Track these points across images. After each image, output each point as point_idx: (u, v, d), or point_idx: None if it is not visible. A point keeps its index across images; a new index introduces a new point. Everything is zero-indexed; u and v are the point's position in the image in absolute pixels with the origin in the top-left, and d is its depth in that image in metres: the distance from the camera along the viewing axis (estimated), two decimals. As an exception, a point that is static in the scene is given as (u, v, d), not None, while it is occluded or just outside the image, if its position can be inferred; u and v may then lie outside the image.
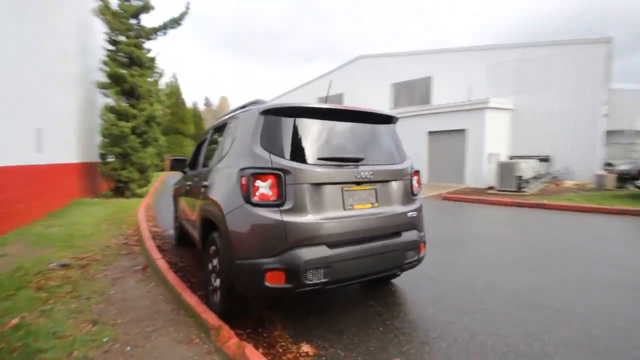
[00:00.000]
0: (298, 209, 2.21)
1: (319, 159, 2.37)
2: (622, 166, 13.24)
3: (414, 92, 19.19)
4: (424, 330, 2.47)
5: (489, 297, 3.03)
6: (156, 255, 4.01)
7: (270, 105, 2.43)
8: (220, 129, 3.29)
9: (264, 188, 2.21)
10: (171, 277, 3.26)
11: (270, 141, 2.33)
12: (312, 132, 2.44)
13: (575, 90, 13.78)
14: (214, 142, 3.48)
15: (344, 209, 2.37)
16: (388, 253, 2.49)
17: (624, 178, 11.69)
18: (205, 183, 2.89)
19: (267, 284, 2.12)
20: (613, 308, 2.81)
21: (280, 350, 2.21)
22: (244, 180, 2.24)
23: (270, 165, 2.23)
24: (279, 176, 2.22)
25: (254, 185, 2.19)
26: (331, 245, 2.27)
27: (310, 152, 2.37)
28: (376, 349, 2.22)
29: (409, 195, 2.78)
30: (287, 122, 2.39)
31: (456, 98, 16.01)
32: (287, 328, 2.50)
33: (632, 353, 2.17)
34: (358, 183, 2.47)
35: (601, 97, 13.46)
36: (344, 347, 2.25)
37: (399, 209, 2.67)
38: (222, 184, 2.54)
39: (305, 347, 2.23)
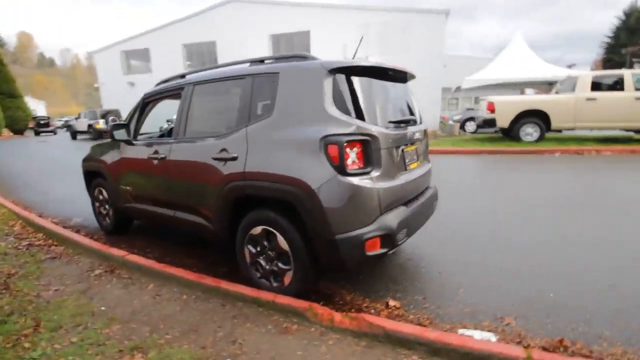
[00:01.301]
0: (384, 174, 2.16)
1: (389, 122, 2.33)
2: (455, 117, 17.28)
3: (294, 45, 19.06)
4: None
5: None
6: (117, 251, 3.11)
7: (339, 63, 2.14)
8: (221, 86, 2.66)
9: (353, 156, 2.03)
10: (190, 274, 2.68)
11: (343, 104, 2.11)
12: (377, 94, 2.33)
13: (426, 53, 16.66)
14: (210, 102, 2.80)
15: (406, 170, 2.45)
16: (429, 205, 2.76)
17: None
18: (231, 154, 2.36)
19: (367, 252, 2.08)
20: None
21: (373, 311, 2.26)
22: (333, 149, 1.98)
23: (357, 131, 2.05)
24: (367, 142, 2.07)
25: (345, 154, 1.99)
26: (406, 205, 2.37)
27: (381, 114, 2.27)
28: (437, 287, 2.53)
29: (427, 151, 3.06)
30: (357, 83, 2.18)
31: (334, 55, 16.88)
32: (354, 291, 2.52)
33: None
34: (412, 143, 2.56)
35: (443, 60, 16.80)
36: (417, 293, 2.47)
37: (428, 164, 2.94)
38: (282, 155, 2.14)
39: (392, 302, 2.35)
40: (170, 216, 3.01)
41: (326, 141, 2.00)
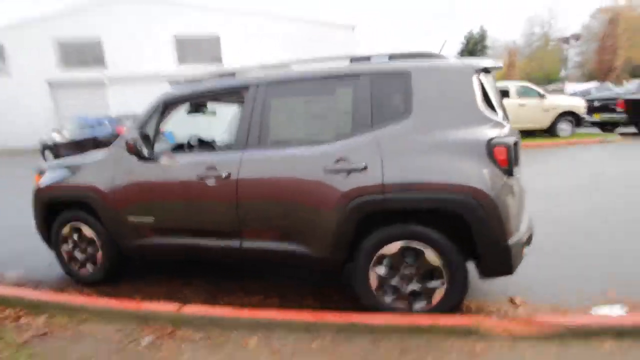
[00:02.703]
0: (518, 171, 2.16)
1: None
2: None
3: (202, 50, 17.59)
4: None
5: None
6: (158, 305, 2.28)
7: (483, 62, 2.05)
8: (320, 86, 2.22)
9: (507, 157, 1.97)
10: (305, 314, 2.14)
11: (487, 103, 2.04)
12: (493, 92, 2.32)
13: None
14: (303, 104, 2.32)
15: None
16: None
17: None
18: (357, 164, 1.98)
19: (524, 254, 2.06)
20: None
21: (505, 311, 2.23)
22: (501, 152, 1.87)
23: (511, 131, 2.01)
24: (517, 142, 2.04)
25: (510, 156, 1.92)
26: None
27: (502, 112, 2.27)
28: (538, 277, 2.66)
29: None
30: (484, 81, 2.14)
31: (245, 62, 16.22)
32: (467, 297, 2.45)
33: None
34: None
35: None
36: (523, 286, 2.55)
37: None
38: (437, 161, 1.90)
39: (517, 299, 2.36)
40: (230, 248, 2.38)
41: (493, 143, 1.89)
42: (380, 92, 2.08)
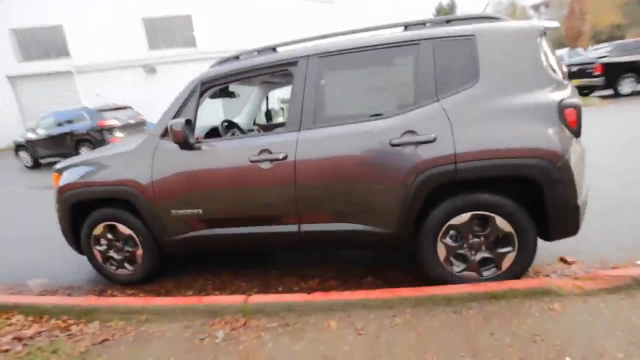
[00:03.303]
0: None
1: None
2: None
3: (174, 31, 16.58)
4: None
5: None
6: (227, 299, 2.21)
7: (545, 24, 2.02)
8: (376, 55, 2.11)
9: (576, 118, 1.98)
10: (380, 292, 2.14)
11: (552, 65, 2.03)
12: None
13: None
14: (359, 76, 2.22)
15: None
16: None
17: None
18: (425, 136, 1.94)
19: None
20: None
21: (558, 272, 2.34)
22: (571, 114, 1.88)
23: (573, 93, 2.01)
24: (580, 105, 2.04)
25: (580, 117, 1.93)
26: None
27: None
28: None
29: None
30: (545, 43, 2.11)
31: (221, 42, 15.41)
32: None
33: None
34: None
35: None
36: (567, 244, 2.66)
37: None
38: (509, 127, 1.88)
39: (568, 258, 2.47)
40: (287, 233, 2.31)
41: (563, 105, 1.89)
42: (443, 59, 2.02)
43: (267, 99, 3.95)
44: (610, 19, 32.63)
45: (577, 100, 1.92)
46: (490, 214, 2.01)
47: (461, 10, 41.94)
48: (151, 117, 11.49)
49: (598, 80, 10.95)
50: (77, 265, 3.16)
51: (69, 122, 9.41)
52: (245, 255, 3.10)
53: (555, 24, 2.13)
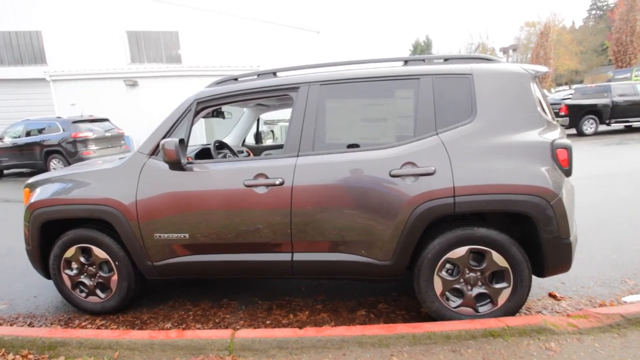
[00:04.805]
0: None
1: None
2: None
3: (160, 46, 16.46)
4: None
5: None
6: (193, 333, 2.03)
7: (536, 68, 2.13)
8: (378, 87, 2.13)
9: (568, 157, 2.04)
10: (376, 328, 2.00)
11: (541, 107, 2.13)
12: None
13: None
14: (360, 106, 2.23)
15: None
16: None
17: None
18: (425, 168, 1.95)
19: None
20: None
21: (549, 308, 2.35)
22: (562, 153, 1.95)
23: (563, 134, 2.10)
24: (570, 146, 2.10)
25: (571, 157, 2.01)
26: None
27: None
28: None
29: None
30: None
31: (206, 59, 15.46)
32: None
33: None
34: None
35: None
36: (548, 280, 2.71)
37: None
38: (506, 163, 1.92)
39: (556, 294, 2.49)
40: (279, 262, 2.21)
41: (555, 145, 1.97)
42: (442, 94, 2.07)
43: (258, 121, 3.91)
44: (569, 64, 35.84)
45: (567, 141, 2.01)
46: (487, 249, 2.02)
47: (436, 48, 44.80)
48: (130, 131, 11.13)
49: (564, 120, 11.79)
50: (40, 288, 2.87)
51: (40, 131, 8.91)
52: (228, 282, 2.93)
53: (544, 68, 2.26)
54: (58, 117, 9.42)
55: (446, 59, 2.24)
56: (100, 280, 2.44)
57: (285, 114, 7.80)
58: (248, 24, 16.68)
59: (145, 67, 14.77)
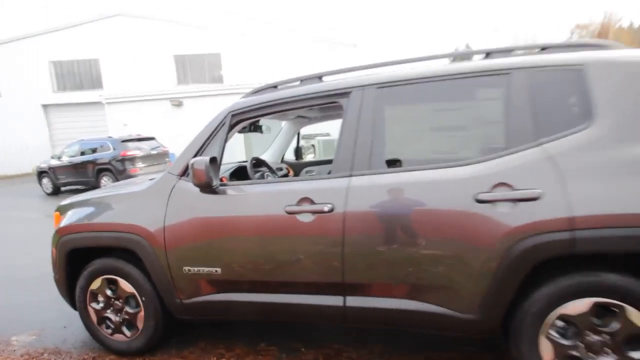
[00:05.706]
0: None
1: None
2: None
3: (204, 67, 17.21)
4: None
5: None
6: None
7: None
8: (452, 87, 1.69)
9: None
10: None
11: None
12: None
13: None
14: (429, 112, 1.80)
15: None
16: None
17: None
18: (524, 191, 1.45)
19: None
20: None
21: None
22: None
23: None
24: None
25: None
26: None
27: None
28: None
29: None
30: None
31: (248, 75, 15.77)
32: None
33: None
34: None
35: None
36: None
37: None
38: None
39: None
40: (328, 307, 1.79)
41: None
42: (543, 92, 1.57)
43: (298, 135, 3.58)
44: None
45: None
46: (621, 303, 1.44)
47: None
48: (175, 149, 11.53)
49: None
50: (70, 317, 2.69)
51: (93, 150, 9.42)
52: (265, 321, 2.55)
53: None
54: (109, 137, 9.93)
55: (543, 48, 1.74)
56: (126, 316, 2.17)
57: (323, 127, 7.49)
58: (286, 41, 16.94)
59: (190, 87, 15.42)
